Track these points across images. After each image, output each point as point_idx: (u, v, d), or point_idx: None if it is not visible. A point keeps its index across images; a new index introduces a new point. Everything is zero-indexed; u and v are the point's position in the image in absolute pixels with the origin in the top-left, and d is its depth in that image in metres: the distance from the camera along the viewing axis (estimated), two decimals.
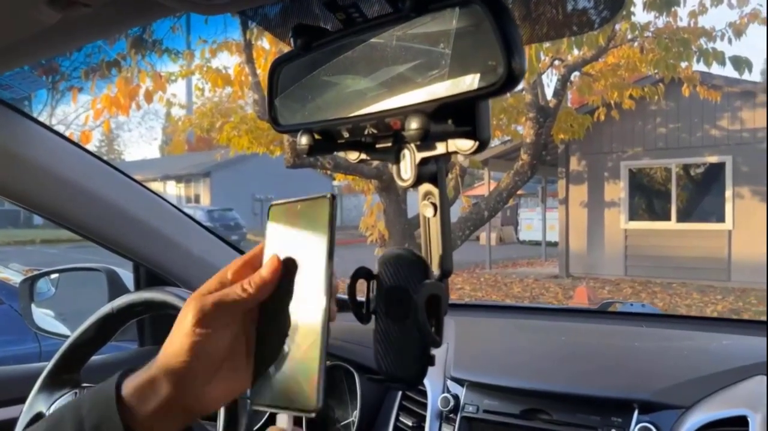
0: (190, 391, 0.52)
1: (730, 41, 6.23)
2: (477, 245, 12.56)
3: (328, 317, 0.50)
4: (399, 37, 0.51)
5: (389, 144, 0.55)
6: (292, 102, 0.60)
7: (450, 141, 0.51)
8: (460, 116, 0.49)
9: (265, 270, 0.51)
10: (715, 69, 6.07)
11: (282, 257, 0.52)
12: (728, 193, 9.46)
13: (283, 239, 0.53)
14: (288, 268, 0.51)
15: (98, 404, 0.53)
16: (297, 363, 0.50)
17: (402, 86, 0.50)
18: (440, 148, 0.52)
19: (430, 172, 0.53)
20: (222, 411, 0.75)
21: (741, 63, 5.77)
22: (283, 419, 0.53)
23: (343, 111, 0.55)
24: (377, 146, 0.56)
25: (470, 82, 0.46)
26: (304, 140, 0.57)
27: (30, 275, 1.49)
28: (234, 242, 1.48)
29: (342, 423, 1.15)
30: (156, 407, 0.52)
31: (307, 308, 0.50)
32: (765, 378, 0.93)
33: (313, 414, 0.48)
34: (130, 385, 0.53)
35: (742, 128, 9.40)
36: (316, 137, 0.57)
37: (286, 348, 0.51)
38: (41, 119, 1.16)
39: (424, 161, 0.53)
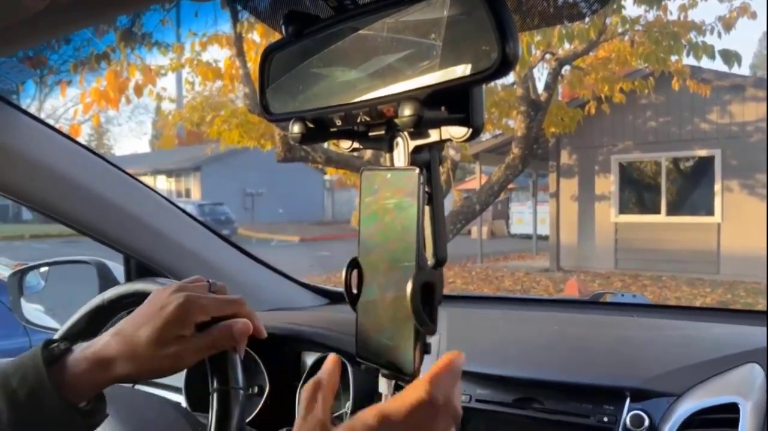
0: (145, 373, 0.63)
1: (719, 35, 6.27)
2: (468, 238, 12.57)
3: (419, 285, 0.50)
4: (391, 23, 0.51)
5: (382, 132, 0.55)
6: (284, 90, 0.60)
7: (443, 128, 0.51)
8: (453, 102, 0.49)
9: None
10: (705, 63, 6.13)
11: (375, 221, 0.53)
12: (717, 186, 9.52)
13: (373, 205, 0.54)
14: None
15: (27, 377, 0.60)
16: (394, 331, 0.51)
17: (395, 73, 0.50)
18: (433, 135, 0.52)
19: (424, 160, 0.53)
20: (215, 403, 0.75)
21: (730, 57, 5.81)
22: (384, 384, 0.55)
23: (335, 99, 0.55)
24: (370, 134, 0.56)
25: (464, 67, 0.46)
26: (296, 129, 0.56)
27: (19, 268, 1.47)
28: (225, 236, 1.48)
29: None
30: (103, 381, 0.63)
31: (398, 276, 0.51)
32: (755, 365, 0.94)
33: (408, 379, 0.51)
34: (76, 368, 0.62)
35: (731, 122, 9.45)
36: (309, 125, 0.56)
37: (382, 315, 0.52)
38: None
39: (418, 149, 0.53)
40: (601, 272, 9.97)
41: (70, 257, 1.45)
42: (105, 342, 0.64)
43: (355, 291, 0.55)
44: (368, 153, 5.82)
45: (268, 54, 0.60)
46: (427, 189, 0.51)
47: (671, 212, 10.05)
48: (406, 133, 0.53)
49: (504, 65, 0.43)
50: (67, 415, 0.60)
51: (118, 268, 1.37)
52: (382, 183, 0.53)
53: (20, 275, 1.45)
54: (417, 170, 0.50)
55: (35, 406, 0.60)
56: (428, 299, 0.50)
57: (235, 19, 5.01)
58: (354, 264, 0.55)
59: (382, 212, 0.53)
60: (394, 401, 0.49)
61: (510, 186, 8.43)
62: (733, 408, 0.87)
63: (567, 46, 6.28)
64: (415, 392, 0.48)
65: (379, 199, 0.53)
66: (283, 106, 0.60)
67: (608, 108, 7.68)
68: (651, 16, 6.23)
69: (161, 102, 7.72)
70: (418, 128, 0.48)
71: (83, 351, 0.64)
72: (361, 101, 0.52)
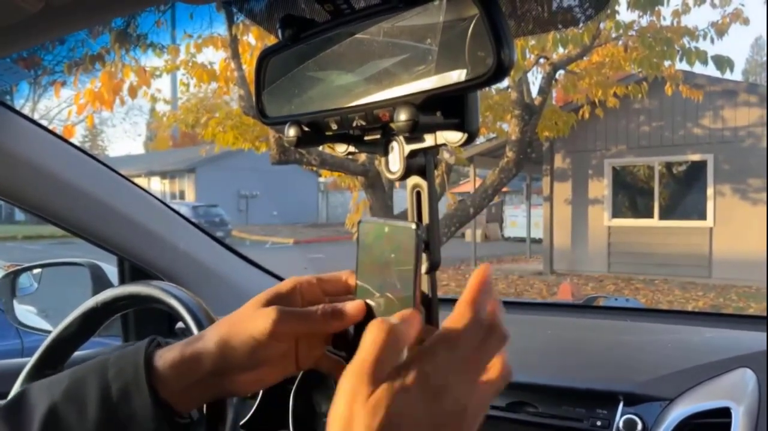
0: (232, 376, 0.55)
1: (712, 41, 6.32)
2: (462, 242, 12.59)
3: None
4: (388, 28, 0.51)
5: (378, 136, 0.55)
6: (279, 94, 0.60)
7: (438, 133, 0.51)
8: (448, 107, 0.49)
9: (351, 310, 0.53)
10: (698, 68, 6.15)
11: (369, 276, 0.53)
12: (710, 191, 9.57)
13: (371, 257, 0.53)
14: (370, 312, 0.52)
15: (125, 370, 0.55)
16: None
17: (390, 78, 0.50)
18: (429, 140, 0.52)
19: (419, 165, 0.53)
20: (205, 406, 0.75)
21: (723, 62, 5.85)
22: None
23: (331, 103, 0.55)
24: (365, 138, 0.56)
25: (459, 73, 0.46)
26: (291, 132, 0.56)
27: (12, 270, 1.47)
28: (219, 238, 1.47)
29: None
30: (191, 383, 0.55)
31: None
32: (747, 370, 0.94)
33: None
34: (167, 357, 0.55)
35: (723, 127, 9.51)
36: (304, 128, 0.56)
37: None
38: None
39: (413, 154, 0.53)
40: (594, 275, 10.00)
41: (64, 259, 1.44)
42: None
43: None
44: (363, 156, 5.82)
45: (264, 57, 0.60)
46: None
47: (664, 216, 10.09)
48: (401, 137, 0.53)
49: (499, 71, 0.43)
50: (155, 423, 0.54)
51: (111, 270, 1.37)
52: (379, 236, 0.53)
53: (13, 276, 1.44)
54: (414, 226, 0.50)
55: (125, 403, 0.54)
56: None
57: (231, 22, 5.01)
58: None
59: (380, 266, 0.52)
60: (445, 330, 0.47)
61: (504, 189, 8.47)
62: (725, 413, 0.88)
63: (561, 50, 6.30)
64: (460, 318, 0.46)
65: (376, 251, 0.53)
66: (279, 110, 0.60)
67: (602, 112, 7.71)
68: (644, 21, 6.27)
69: (156, 103, 7.68)
70: (414, 132, 0.48)
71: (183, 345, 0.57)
72: (356, 105, 0.52)
